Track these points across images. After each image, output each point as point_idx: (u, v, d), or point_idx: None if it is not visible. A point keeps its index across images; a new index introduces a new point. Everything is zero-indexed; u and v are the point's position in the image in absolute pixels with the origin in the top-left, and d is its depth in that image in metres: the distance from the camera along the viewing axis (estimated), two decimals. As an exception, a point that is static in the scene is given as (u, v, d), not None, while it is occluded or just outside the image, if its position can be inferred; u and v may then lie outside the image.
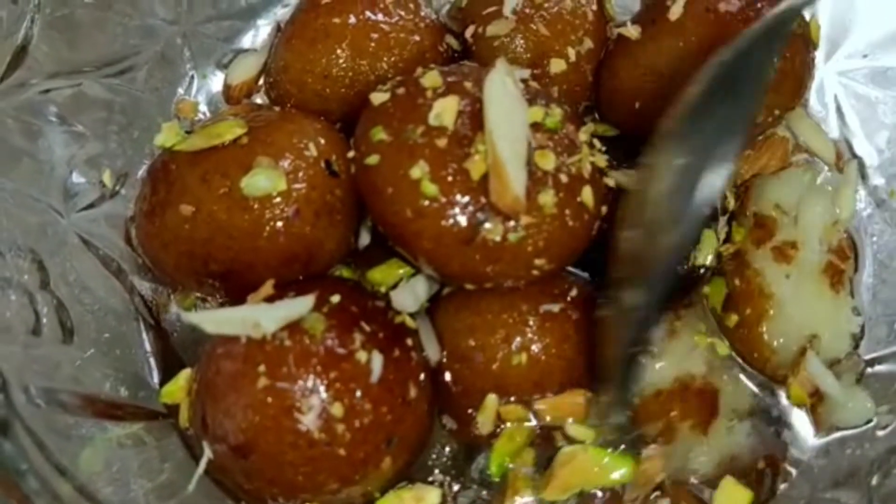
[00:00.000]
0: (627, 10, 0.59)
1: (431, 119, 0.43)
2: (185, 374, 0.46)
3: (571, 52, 0.54)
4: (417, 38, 0.53)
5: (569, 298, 0.48)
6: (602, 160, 0.47)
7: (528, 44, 0.53)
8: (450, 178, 0.42)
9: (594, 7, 0.55)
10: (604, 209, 0.47)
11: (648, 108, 0.51)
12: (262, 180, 0.45)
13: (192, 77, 0.58)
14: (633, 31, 0.52)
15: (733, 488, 0.47)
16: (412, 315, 0.48)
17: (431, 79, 0.45)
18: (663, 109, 0.48)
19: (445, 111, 0.43)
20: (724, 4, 0.50)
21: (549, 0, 0.53)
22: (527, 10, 0.53)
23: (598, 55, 0.55)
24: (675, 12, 0.50)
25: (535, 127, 0.44)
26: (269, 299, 0.44)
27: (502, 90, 0.43)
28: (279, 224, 0.45)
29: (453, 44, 0.55)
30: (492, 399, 0.46)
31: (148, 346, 0.51)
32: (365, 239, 0.51)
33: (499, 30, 0.53)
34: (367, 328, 0.44)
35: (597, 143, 0.48)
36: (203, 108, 0.58)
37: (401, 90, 0.45)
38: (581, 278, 0.50)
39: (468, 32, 0.55)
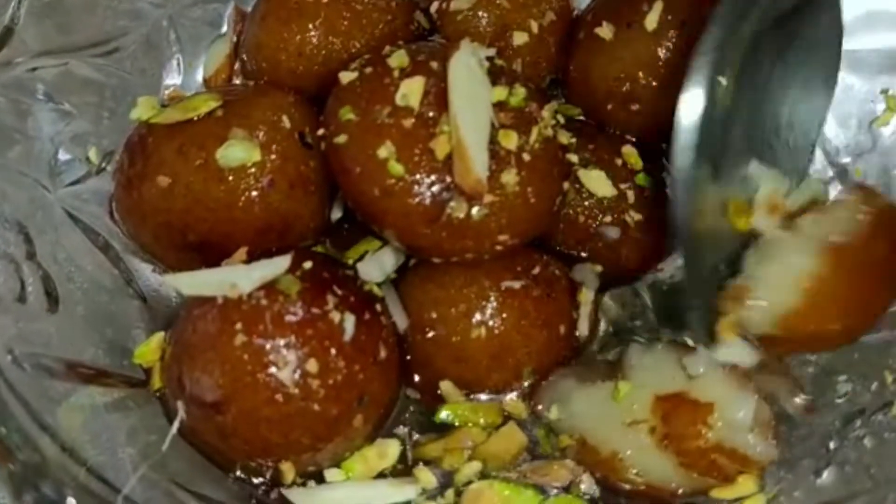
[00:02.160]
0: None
1: (398, 99, 0.47)
2: (158, 336, 0.50)
3: (534, 25, 0.58)
4: (389, 16, 0.56)
5: (531, 275, 0.52)
6: (565, 137, 0.51)
7: (491, 17, 0.57)
8: (416, 158, 0.46)
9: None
10: (566, 185, 0.51)
11: (621, 109, 0.55)
12: (238, 151, 0.49)
13: (179, 60, 0.61)
14: (607, 32, 0.55)
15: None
16: (379, 285, 0.52)
17: (398, 59, 0.48)
18: (636, 111, 0.53)
19: (411, 92, 0.47)
20: (699, 17, 0.53)
21: (510, -26, 0.57)
22: (489, -15, 0.57)
23: (562, 27, 0.59)
24: (652, 21, 0.54)
25: (499, 106, 0.48)
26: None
27: (466, 71, 0.47)
28: (254, 194, 0.49)
29: (422, 20, 0.59)
30: (448, 385, 0.51)
31: (134, 318, 0.54)
32: (338, 213, 0.55)
33: (462, 4, 0.57)
34: (339, 292, 0.48)
35: (560, 119, 0.52)
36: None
37: (368, 70, 0.49)
38: (544, 255, 0.54)
39: (433, 8, 0.59)
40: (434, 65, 0.48)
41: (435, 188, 0.46)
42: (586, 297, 0.54)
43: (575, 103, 0.59)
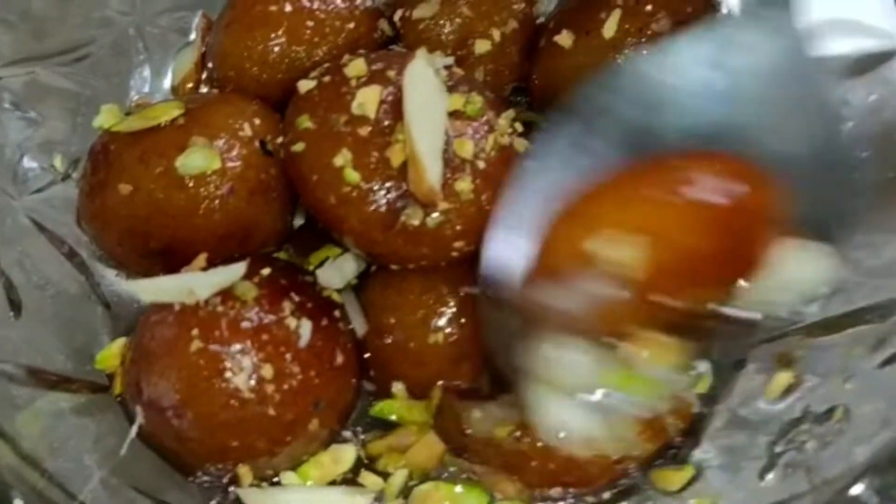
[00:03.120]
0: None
1: (354, 108, 0.48)
2: (119, 342, 0.51)
3: (496, 34, 0.58)
4: (352, 24, 0.57)
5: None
6: (521, 144, 0.52)
7: (453, 26, 0.58)
8: (371, 167, 0.48)
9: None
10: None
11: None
12: (197, 159, 0.50)
13: (147, 68, 0.62)
14: (566, 40, 0.56)
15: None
16: (339, 291, 0.53)
17: (356, 68, 0.49)
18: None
19: (367, 101, 0.48)
20: (655, 25, 0.54)
21: (472, -18, 0.58)
22: (451, -7, 0.58)
23: (525, 35, 0.60)
24: (610, 29, 0.55)
25: (456, 115, 0.49)
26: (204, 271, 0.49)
27: (422, 81, 0.48)
28: (214, 202, 0.51)
29: (386, 28, 0.60)
30: (399, 387, 0.52)
31: (98, 324, 0.55)
32: (300, 219, 0.56)
33: (424, 13, 0.58)
34: (297, 298, 0.50)
35: (518, 127, 0.53)
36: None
37: (326, 79, 0.50)
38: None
39: (397, 16, 0.60)
40: (391, 74, 0.49)
41: (390, 196, 0.47)
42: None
43: (538, 110, 0.60)
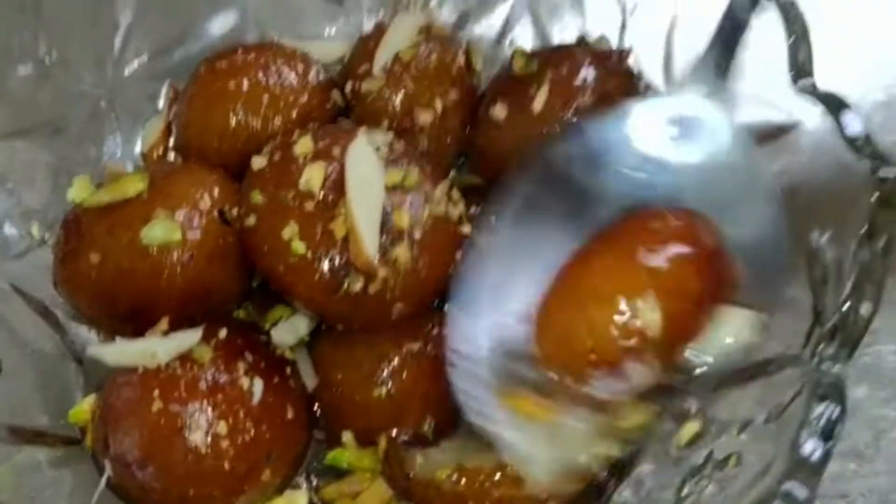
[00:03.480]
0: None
1: (301, 185, 0.53)
2: (90, 398, 0.56)
3: (438, 104, 0.63)
4: (305, 98, 0.62)
5: (430, 336, 0.58)
6: (457, 212, 0.57)
7: (398, 97, 0.63)
8: (316, 238, 0.52)
9: (459, 61, 0.65)
10: (458, 255, 0.56)
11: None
12: (159, 231, 0.54)
13: (118, 136, 0.67)
14: (500, 113, 0.61)
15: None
16: (292, 348, 0.57)
17: (303, 146, 0.54)
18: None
19: (313, 178, 0.52)
20: (581, 100, 0.59)
21: (415, 57, 0.63)
22: (395, 68, 0.63)
23: (466, 105, 0.65)
24: (539, 104, 0.59)
25: (394, 188, 0.54)
26: (165, 334, 0.53)
27: (362, 159, 0.53)
28: (176, 268, 0.55)
29: (338, 99, 0.65)
30: (348, 436, 0.57)
31: (73, 380, 0.60)
32: (258, 279, 0.61)
33: (371, 86, 0.63)
34: (250, 358, 0.54)
35: (455, 195, 0.58)
36: (129, 167, 0.67)
37: (276, 156, 0.55)
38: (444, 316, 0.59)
39: (347, 88, 0.65)
40: (336, 151, 0.54)
41: (334, 265, 0.52)
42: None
43: (480, 175, 0.64)
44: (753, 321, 0.51)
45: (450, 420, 0.58)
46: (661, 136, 0.54)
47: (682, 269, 0.50)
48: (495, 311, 0.53)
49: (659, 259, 0.50)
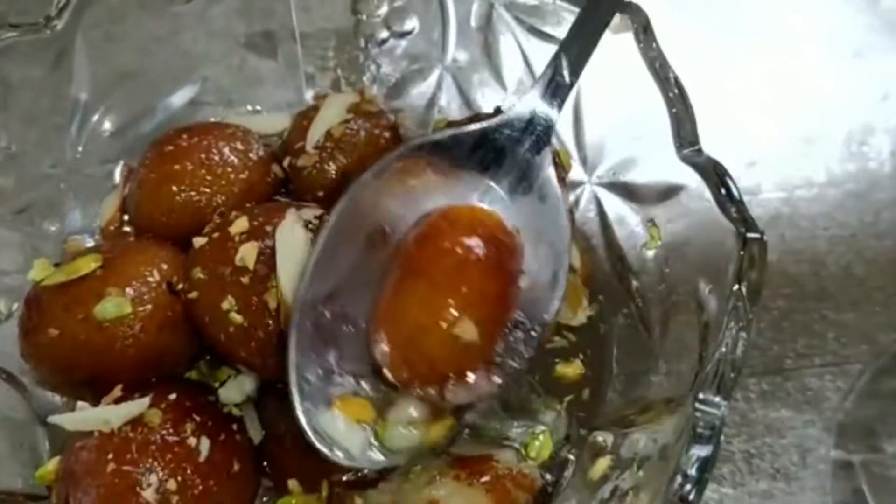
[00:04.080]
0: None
1: (237, 261, 0.59)
2: (54, 460, 0.61)
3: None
4: (246, 174, 0.68)
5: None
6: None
7: (331, 171, 0.69)
8: (252, 309, 0.58)
9: (387, 134, 0.71)
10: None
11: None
12: (111, 307, 0.60)
13: (78, 213, 0.73)
14: None
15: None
16: (239, 405, 0.63)
17: (239, 226, 0.60)
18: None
19: (247, 255, 0.58)
20: None
21: (345, 133, 0.69)
22: (327, 144, 0.69)
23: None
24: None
25: (323, 259, 0.59)
26: (120, 399, 0.59)
27: (290, 237, 0.59)
28: (128, 340, 0.61)
29: (278, 172, 0.71)
30: (293, 482, 0.62)
31: (41, 443, 0.65)
32: (207, 342, 0.66)
33: (305, 162, 0.69)
34: (198, 418, 0.60)
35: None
36: (90, 241, 0.73)
37: (215, 235, 0.61)
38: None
39: (285, 163, 0.71)
40: (268, 229, 0.60)
41: (269, 332, 0.58)
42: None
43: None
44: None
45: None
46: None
47: (480, 280, 0.58)
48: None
49: (459, 281, 0.58)
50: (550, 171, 0.61)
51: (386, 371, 0.58)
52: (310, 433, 0.56)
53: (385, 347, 0.57)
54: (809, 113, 0.95)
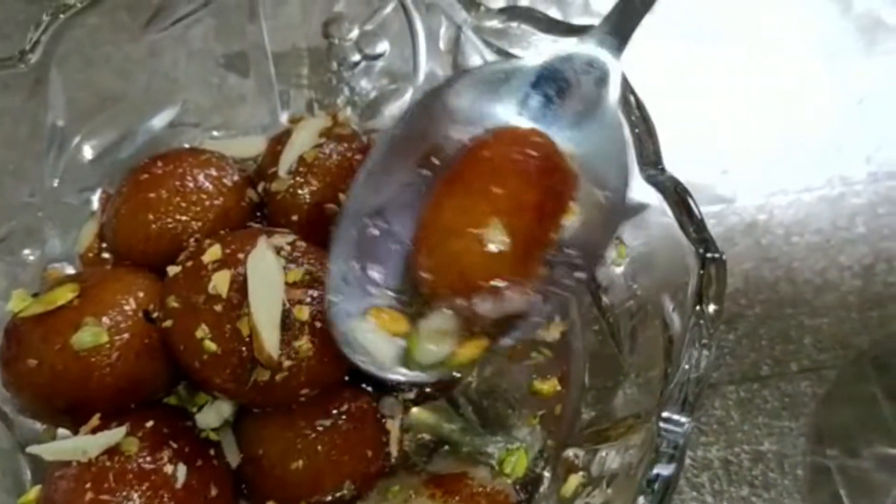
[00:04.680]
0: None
1: (210, 289, 0.59)
2: (36, 489, 0.62)
3: (342, 196, 0.69)
4: (220, 200, 0.69)
5: (340, 412, 0.64)
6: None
7: (305, 195, 0.70)
8: (226, 337, 0.59)
9: (359, 157, 0.71)
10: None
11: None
12: (88, 337, 0.61)
13: (57, 240, 0.74)
14: None
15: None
16: (216, 429, 0.63)
17: (211, 254, 0.61)
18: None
19: (220, 283, 0.59)
20: None
21: (318, 158, 0.70)
22: (300, 169, 0.70)
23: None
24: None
25: (295, 284, 0.61)
26: (98, 427, 0.60)
27: (262, 264, 0.60)
28: (105, 369, 0.61)
29: (253, 196, 0.71)
30: None
31: (24, 471, 0.66)
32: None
33: (279, 187, 0.70)
34: (175, 445, 0.61)
35: (357, 283, 0.64)
36: (69, 268, 0.74)
37: (189, 264, 0.62)
38: (358, 391, 0.67)
39: (259, 188, 0.72)
40: (241, 256, 0.61)
41: (243, 359, 0.59)
42: (392, 425, 0.67)
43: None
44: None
45: (367, 482, 0.65)
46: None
47: (516, 187, 0.59)
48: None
49: (493, 185, 0.58)
50: (612, 102, 0.61)
51: (419, 280, 0.58)
52: (338, 336, 0.57)
53: (418, 255, 0.58)
54: (783, 119, 0.96)
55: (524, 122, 0.63)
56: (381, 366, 0.58)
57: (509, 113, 0.63)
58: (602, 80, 0.61)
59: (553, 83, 0.62)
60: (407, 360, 0.58)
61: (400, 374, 0.59)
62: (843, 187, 0.92)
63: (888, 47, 1.01)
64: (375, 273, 0.59)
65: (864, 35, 1.01)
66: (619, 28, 0.61)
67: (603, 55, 0.61)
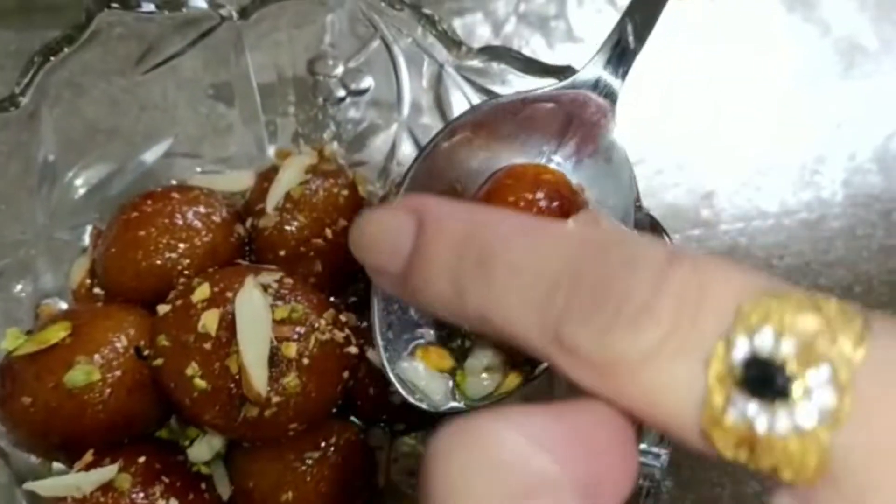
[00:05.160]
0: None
1: (199, 328, 0.61)
2: (32, 523, 0.63)
3: (329, 232, 0.72)
4: (209, 237, 0.70)
5: (329, 444, 0.66)
6: (342, 335, 0.65)
7: (292, 230, 0.71)
8: (215, 374, 0.61)
9: (345, 192, 0.73)
10: (346, 374, 0.65)
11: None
12: (80, 375, 0.62)
13: (50, 276, 0.75)
14: None
15: None
16: (208, 462, 0.65)
17: (200, 293, 0.62)
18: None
19: (209, 322, 0.61)
20: None
21: (304, 194, 0.72)
22: (287, 206, 0.71)
23: (355, 228, 0.72)
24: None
25: (282, 322, 0.62)
26: (92, 464, 0.61)
27: (249, 304, 0.61)
28: (98, 406, 0.63)
29: (242, 232, 0.73)
30: None
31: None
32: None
33: (266, 223, 0.71)
34: (167, 480, 0.62)
35: (343, 318, 0.66)
36: (62, 303, 0.75)
37: (178, 303, 0.63)
38: (345, 424, 0.69)
39: (247, 224, 0.73)
40: (229, 295, 0.62)
41: (232, 396, 0.60)
42: (380, 456, 0.68)
43: (370, 289, 0.72)
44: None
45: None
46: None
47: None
48: None
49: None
50: (615, 136, 0.62)
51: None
52: (394, 379, 0.57)
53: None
54: (762, 143, 0.98)
55: (534, 156, 0.64)
56: (436, 404, 0.58)
57: (515, 152, 0.64)
58: (604, 112, 0.62)
59: (557, 117, 0.63)
60: (457, 394, 0.59)
61: (452, 409, 0.59)
62: (822, 211, 0.94)
63: (866, 70, 1.03)
64: (414, 312, 0.59)
65: (843, 59, 1.03)
66: (618, 58, 0.62)
67: (608, 80, 0.62)
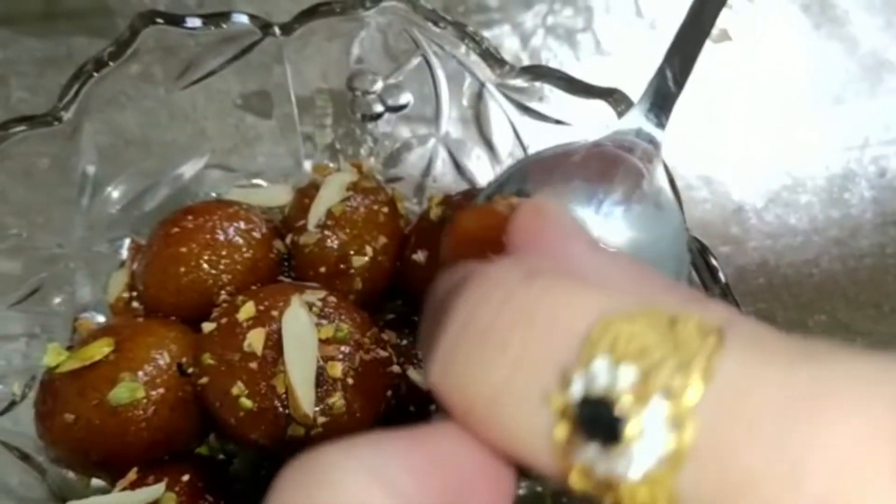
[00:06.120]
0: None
1: (245, 347, 0.60)
2: (72, 543, 0.62)
3: (369, 249, 0.71)
4: (250, 253, 0.70)
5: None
6: (386, 354, 0.64)
7: (333, 247, 0.71)
8: (261, 394, 0.60)
9: (385, 210, 0.73)
10: (388, 393, 0.64)
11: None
12: (124, 392, 0.62)
13: (88, 290, 0.74)
14: (421, 257, 0.70)
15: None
16: (248, 479, 0.65)
17: (246, 312, 0.62)
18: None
19: (255, 341, 0.60)
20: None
21: (345, 211, 0.72)
22: (328, 223, 0.71)
23: (395, 246, 0.73)
24: (445, 248, 0.67)
25: (327, 341, 0.62)
26: (135, 482, 0.61)
27: (295, 323, 0.61)
28: (141, 423, 0.63)
29: (281, 247, 0.73)
30: None
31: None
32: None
33: (307, 239, 0.71)
34: (210, 498, 0.62)
35: (385, 337, 0.65)
36: (100, 317, 0.75)
37: (223, 321, 0.63)
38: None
39: (287, 240, 0.73)
40: (275, 314, 0.62)
41: (278, 416, 0.60)
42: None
43: (410, 305, 0.72)
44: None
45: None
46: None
47: None
48: None
49: None
50: (664, 181, 0.60)
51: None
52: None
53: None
54: (791, 160, 0.98)
55: (584, 207, 0.60)
56: None
57: (565, 199, 0.62)
58: (650, 157, 0.60)
59: (605, 163, 0.60)
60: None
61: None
62: (852, 229, 0.94)
63: (893, 86, 1.03)
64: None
65: (869, 76, 1.03)
66: (659, 105, 0.60)
67: (649, 131, 0.60)
